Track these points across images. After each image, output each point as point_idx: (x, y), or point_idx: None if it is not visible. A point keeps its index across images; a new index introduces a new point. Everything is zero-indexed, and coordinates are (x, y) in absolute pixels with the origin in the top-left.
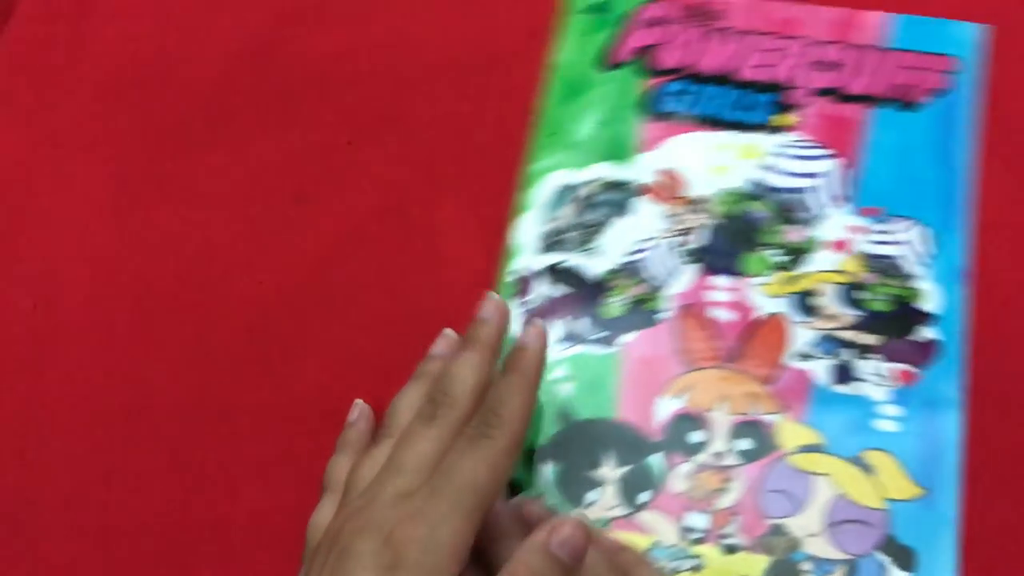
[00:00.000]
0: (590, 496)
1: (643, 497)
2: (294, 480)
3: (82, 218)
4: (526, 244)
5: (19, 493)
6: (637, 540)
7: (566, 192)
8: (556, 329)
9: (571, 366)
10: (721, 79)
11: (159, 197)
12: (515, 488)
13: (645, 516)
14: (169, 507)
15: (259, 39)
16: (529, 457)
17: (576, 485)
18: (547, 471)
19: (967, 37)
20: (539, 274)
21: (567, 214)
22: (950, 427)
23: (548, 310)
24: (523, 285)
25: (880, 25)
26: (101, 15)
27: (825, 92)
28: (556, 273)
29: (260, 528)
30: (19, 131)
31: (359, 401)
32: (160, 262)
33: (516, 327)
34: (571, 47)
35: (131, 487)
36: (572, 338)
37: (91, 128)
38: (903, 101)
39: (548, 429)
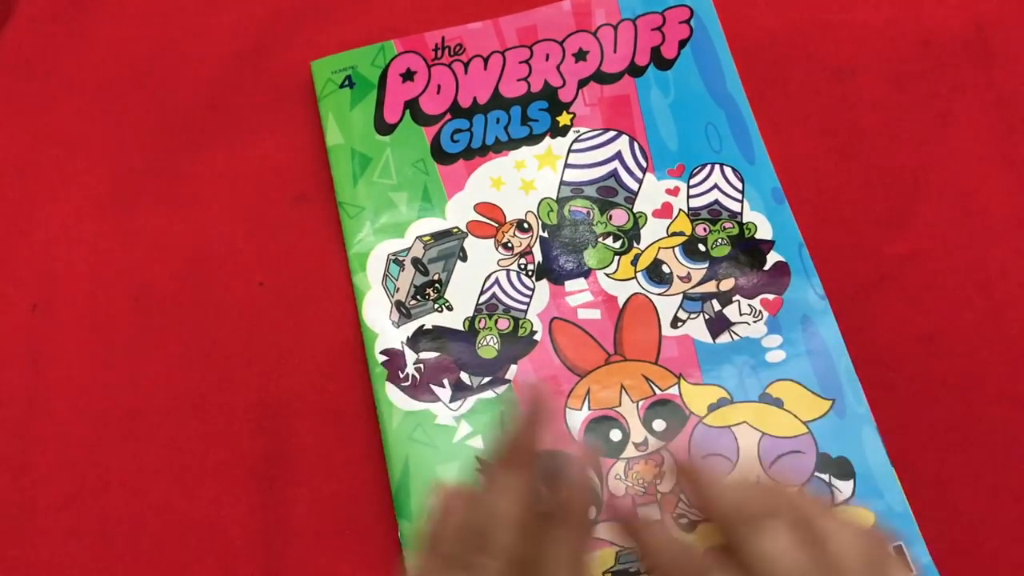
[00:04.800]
0: None
1: (591, 513)
2: (294, 479)
3: (81, 218)
4: (379, 324)
5: (19, 493)
6: (604, 554)
7: (395, 262)
8: (443, 391)
9: (471, 419)
10: (489, 105)
11: (158, 197)
12: None
13: (602, 530)
14: (168, 507)
15: (259, 39)
16: None
17: None
18: None
19: None
20: (405, 347)
21: (406, 281)
22: (830, 332)
23: (428, 378)
24: (394, 363)
25: (610, 1)
26: (101, 15)
27: (588, 80)
28: (420, 339)
29: (260, 527)
30: (19, 131)
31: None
32: (159, 262)
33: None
34: (339, 127)
35: (130, 487)
36: (461, 394)
37: (91, 128)
38: (659, 61)
39: None
